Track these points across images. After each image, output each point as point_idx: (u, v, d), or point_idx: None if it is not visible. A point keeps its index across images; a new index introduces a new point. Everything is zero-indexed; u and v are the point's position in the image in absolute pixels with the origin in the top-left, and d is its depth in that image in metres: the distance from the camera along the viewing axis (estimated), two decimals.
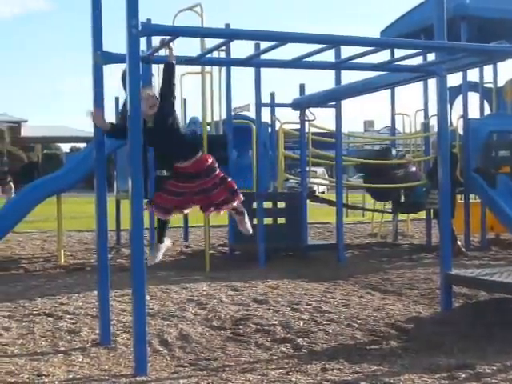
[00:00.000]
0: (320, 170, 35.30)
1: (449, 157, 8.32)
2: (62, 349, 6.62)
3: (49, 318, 7.86)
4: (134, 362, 5.81)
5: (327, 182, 24.83)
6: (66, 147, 79.24)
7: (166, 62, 6.38)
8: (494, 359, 6.00)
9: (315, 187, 26.51)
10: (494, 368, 5.72)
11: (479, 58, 8.24)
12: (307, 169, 14.33)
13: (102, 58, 6.61)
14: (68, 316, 7.94)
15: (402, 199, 16.32)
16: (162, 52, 6.68)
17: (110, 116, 17.53)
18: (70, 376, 5.70)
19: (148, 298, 8.45)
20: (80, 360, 6.22)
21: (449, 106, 14.74)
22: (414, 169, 16.34)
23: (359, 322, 7.69)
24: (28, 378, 5.61)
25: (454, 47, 7.83)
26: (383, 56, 8.15)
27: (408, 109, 43.74)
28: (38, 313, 8.14)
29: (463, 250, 13.26)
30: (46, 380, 5.54)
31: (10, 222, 12.95)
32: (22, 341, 6.92)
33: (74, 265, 13.05)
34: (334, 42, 7.03)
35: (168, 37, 6.07)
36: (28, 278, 11.45)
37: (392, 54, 12.20)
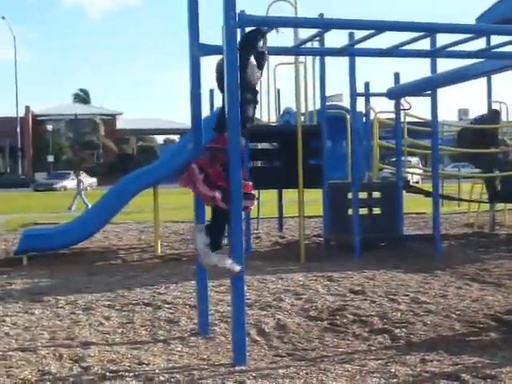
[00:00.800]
0: (414, 160, 34.90)
1: None
2: (162, 338, 6.74)
3: (148, 308, 8.01)
4: (233, 352, 5.86)
5: (422, 172, 24.53)
6: (159, 139, 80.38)
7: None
8: None
9: (409, 177, 26.26)
10: None
11: None
12: (402, 159, 14.18)
13: (199, 49, 6.67)
14: (166, 306, 8.07)
15: (499, 188, 15.93)
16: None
17: (205, 109, 17.78)
18: (170, 365, 5.79)
19: (245, 288, 8.51)
20: (179, 349, 6.32)
21: None
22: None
23: (457, 313, 7.60)
24: (129, 366, 5.73)
25: None
26: (479, 44, 8.01)
27: (505, 97, 42.91)
28: (137, 302, 8.31)
29: None
30: (147, 368, 5.64)
31: (107, 214, 13.23)
32: (123, 330, 7.08)
33: (170, 255, 13.25)
34: (430, 29, 6.94)
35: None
36: (126, 268, 11.68)
37: (488, 40, 11.98)
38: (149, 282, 9.70)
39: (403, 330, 6.91)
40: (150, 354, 6.09)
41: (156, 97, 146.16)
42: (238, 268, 5.74)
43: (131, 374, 5.41)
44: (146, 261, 12.67)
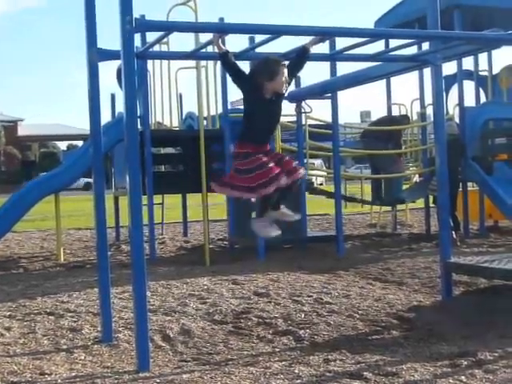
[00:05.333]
0: (318, 162, 35.23)
1: (445, 145, 8.32)
2: (64, 347, 6.63)
3: (50, 317, 7.86)
4: (137, 359, 5.82)
5: (325, 174, 24.82)
6: (62, 145, 79.27)
7: (303, 47, 6.53)
8: (496, 346, 6.03)
9: (313, 179, 26.51)
10: (496, 355, 5.75)
11: (473, 46, 8.26)
12: (305, 161, 14.31)
13: (96, 55, 6.61)
14: (69, 314, 7.94)
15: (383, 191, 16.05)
16: (157, 48, 6.68)
17: (106, 113, 17.60)
18: (73, 374, 5.70)
19: (149, 293, 8.46)
20: (82, 358, 6.23)
21: (444, 94, 14.78)
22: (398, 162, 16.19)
23: (360, 312, 7.71)
24: (31, 376, 5.62)
25: (447, 36, 7.83)
26: (378, 46, 8.16)
27: (404, 98, 43.80)
28: (39, 312, 8.15)
29: (458, 243, 13.08)
30: (49, 379, 5.55)
31: (8, 222, 12.97)
32: (24, 340, 6.93)
33: (73, 263, 13.06)
34: (328, 33, 7.03)
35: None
36: (28, 277, 11.43)
37: (387, 44, 12.17)
38: (51, 291, 9.53)
39: (307, 330, 6.97)
40: (52, 364, 5.99)
41: (58, 102, 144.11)
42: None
43: None
44: (48, 269, 12.44)
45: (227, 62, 6.35)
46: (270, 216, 6.79)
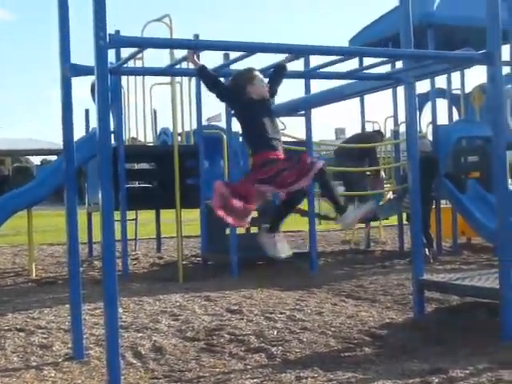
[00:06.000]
0: None
1: (418, 162, 8.35)
2: (34, 364, 6.57)
3: (20, 333, 7.78)
4: (108, 376, 5.76)
5: None
6: (36, 160, 78.75)
7: (279, 63, 6.78)
8: (467, 363, 6.04)
9: None
10: (467, 372, 5.76)
11: (446, 65, 8.32)
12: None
13: (70, 70, 6.59)
14: (40, 331, 7.88)
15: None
16: (132, 63, 6.68)
17: (80, 128, 17.54)
18: None
19: (121, 310, 8.43)
20: (52, 375, 6.17)
21: (418, 112, 14.86)
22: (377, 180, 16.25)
23: (333, 329, 7.71)
24: None
25: (419, 55, 7.88)
26: (353, 64, 8.20)
27: (378, 116, 44.04)
28: (10, 328, 8.06)
29: (431, 260, 13.16)
30: None
31: None
32: None
33: (45, 278, 12.97)
34: (301, 51, 7.03)
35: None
36: None
37: (361, 62, 12.24)
38: (22, 307, 9.45)
39: (279, 348, 6.95)
40: (21, 381, 5.94)
41: (32, 116, 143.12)
42: None
43: None
44: (20, 285, 12.34)
45: (205, 74, 6.46)
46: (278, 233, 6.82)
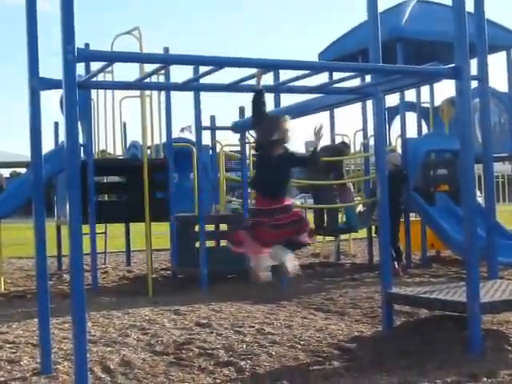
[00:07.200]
0: None
1: (386, 176, 8.41)
2: (2, 379, 6.50)
3: None
4: None
5: None
6: (5, 172, 78.20)
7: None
8: (435, 376, 6.07)
9: None
10: None
11: (414, 80, 8.40)
12: (249, 190, 14.34)
13: (38, 83, 6.57)
14: (8, 345, 7.80)
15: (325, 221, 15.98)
16: (101, 77, 6.68)
17: (49, 142, 17.44)
18: None
19: (89, 324, 8.39)
20: None
21: (387, 125, 14.93)
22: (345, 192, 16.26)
23: (302, 342, 7.71)
24: None
25: (387, 69, 7.94)
26: (322, 77, 8.26)
27: (348, 129, 44.21)
28: None
29: (400, 273, 13.24)
30: None
31: None
32: None
33: (14, 292, 12.86)
34: (270, 66, 7.09)
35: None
36: None
37: (331, 75, 12.31)
38: None
39: (248, 361, 6.95)
40: None
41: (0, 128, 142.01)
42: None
43: None
44: None
45: (261, 99, 6.90)
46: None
